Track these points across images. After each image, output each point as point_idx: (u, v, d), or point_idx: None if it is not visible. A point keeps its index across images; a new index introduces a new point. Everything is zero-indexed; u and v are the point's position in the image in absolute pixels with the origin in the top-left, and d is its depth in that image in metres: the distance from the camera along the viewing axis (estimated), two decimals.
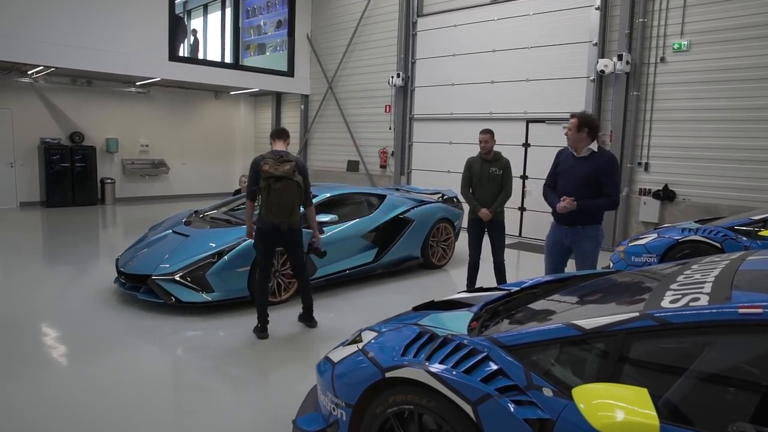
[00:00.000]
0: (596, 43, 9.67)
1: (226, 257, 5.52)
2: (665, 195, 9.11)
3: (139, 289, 5.71)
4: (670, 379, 1.76)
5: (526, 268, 9.10)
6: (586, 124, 4.52)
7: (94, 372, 4.30)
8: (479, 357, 2.14)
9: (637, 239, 6.47)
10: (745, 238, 5.87)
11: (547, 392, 1.93)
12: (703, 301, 1.88)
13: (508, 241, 10.53)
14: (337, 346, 3.02)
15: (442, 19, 12.13)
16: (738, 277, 2.07)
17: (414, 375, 2.22)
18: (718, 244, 5.90)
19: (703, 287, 2.01)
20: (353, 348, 2.72)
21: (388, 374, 2.32)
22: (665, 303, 1.95)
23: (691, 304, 1.88)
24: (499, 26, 11.08)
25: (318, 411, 2.83)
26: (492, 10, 11.20)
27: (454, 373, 2.11)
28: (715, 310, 1.77)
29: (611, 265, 6.56)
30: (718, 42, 8.58)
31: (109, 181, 14.41)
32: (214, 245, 5.66)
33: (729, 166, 8.53)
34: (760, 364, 1.70)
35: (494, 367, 2.08)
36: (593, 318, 2.03)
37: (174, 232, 6.31)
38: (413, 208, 7.48)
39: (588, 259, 4.59)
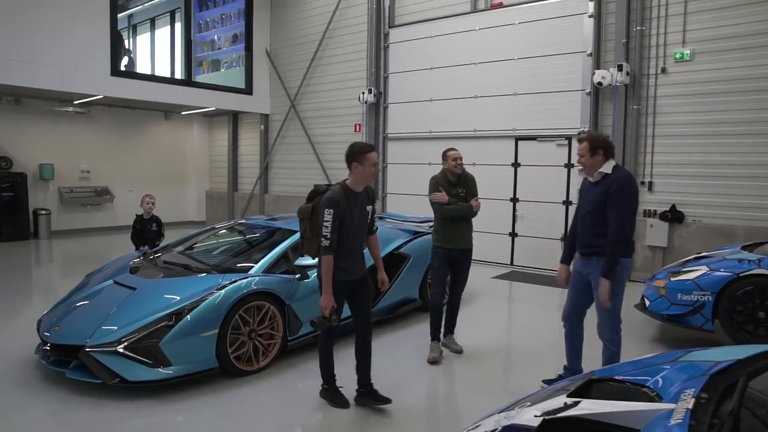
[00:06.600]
0: (591, 54, 8.90)
1: (188, 317, 4.21)
2: (673, 216, 8.32)
3: (68, 363, 4.27)
4: None
5: (520, 300, 8.18)
6: (600, 146, 3.89)
7: None
8: None
9: (679, 272, 5.44)
10: None
11: None
12: None
13: (499, 270, 9.65)
14: None
15: (416, 30, 11.17)
16: None
17: None
18: None
19: None
20: None
21: None
22: None
23: None
24: (482, 37, 10.19)
25: None
26: (473, 19, 10.32)
27: None
28: None
29: (647, 303, 5.57)
30: (723, 51, 7.94)
31: (43, 212, 12.68)
32: (170, 302, 4.35)
33: (739, 183, 7.83)
34: None
35: None
36: None
37: (116, 282, 4.95)
38: (408, 241, 6.37)
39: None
